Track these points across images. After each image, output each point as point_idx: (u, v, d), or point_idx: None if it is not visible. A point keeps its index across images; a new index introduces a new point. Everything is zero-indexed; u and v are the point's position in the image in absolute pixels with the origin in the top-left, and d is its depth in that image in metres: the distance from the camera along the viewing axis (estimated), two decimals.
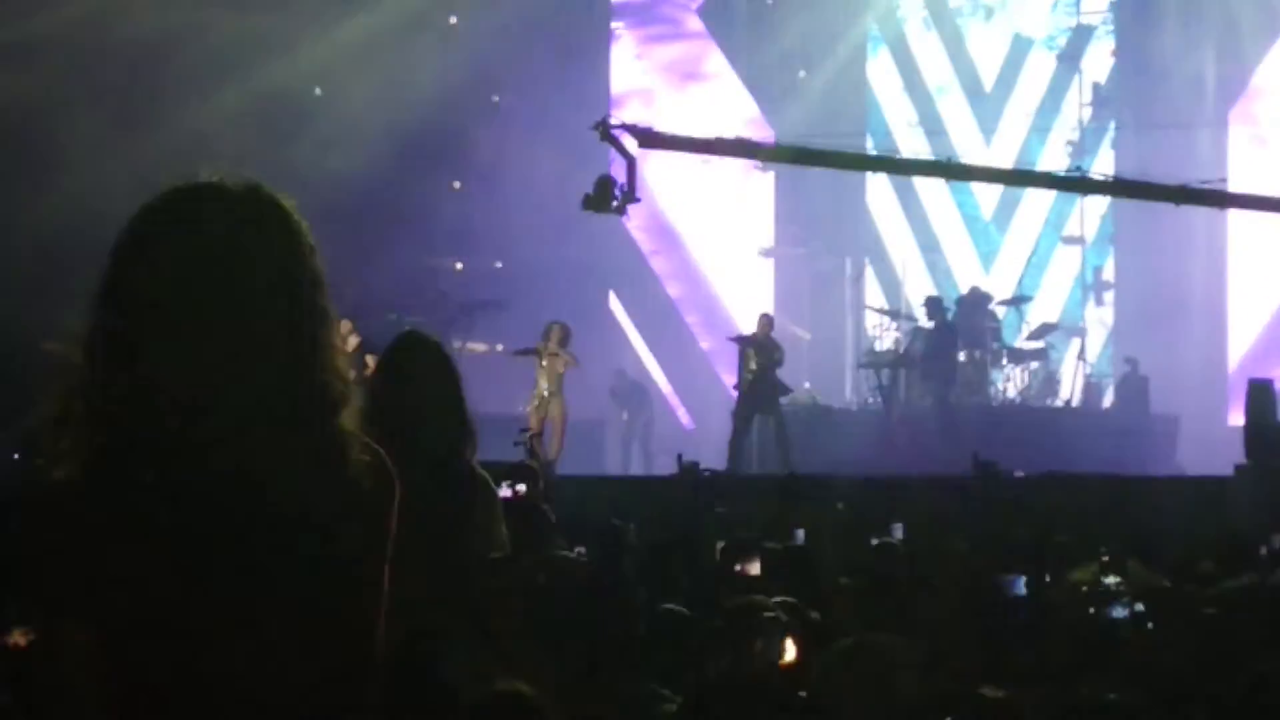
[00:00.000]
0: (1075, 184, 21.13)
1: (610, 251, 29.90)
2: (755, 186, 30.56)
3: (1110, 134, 29.62)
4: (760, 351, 22.87)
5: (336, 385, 2.97)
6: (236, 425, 2.84)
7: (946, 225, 30.67)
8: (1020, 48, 30.42)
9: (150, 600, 2.82)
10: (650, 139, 18.44)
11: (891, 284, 30.34)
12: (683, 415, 30.17)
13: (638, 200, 18.02)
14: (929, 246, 30.70)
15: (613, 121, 18.27)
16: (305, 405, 2.92)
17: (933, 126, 30.49)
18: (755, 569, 10.06)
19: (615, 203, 17.71)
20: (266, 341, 2.89)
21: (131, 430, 2.82)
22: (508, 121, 28.94)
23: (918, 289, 29.69)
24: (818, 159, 23.18)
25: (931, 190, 30.62)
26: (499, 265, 28.30)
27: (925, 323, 25.84)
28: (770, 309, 25.11)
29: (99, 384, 2.84)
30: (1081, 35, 30.09)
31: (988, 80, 30.55)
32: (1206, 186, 19.85)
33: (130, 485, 2.82)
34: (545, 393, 21.57)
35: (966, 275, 29.79)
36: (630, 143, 18.03)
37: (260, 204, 2.99)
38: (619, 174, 18.12)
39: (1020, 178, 25.27)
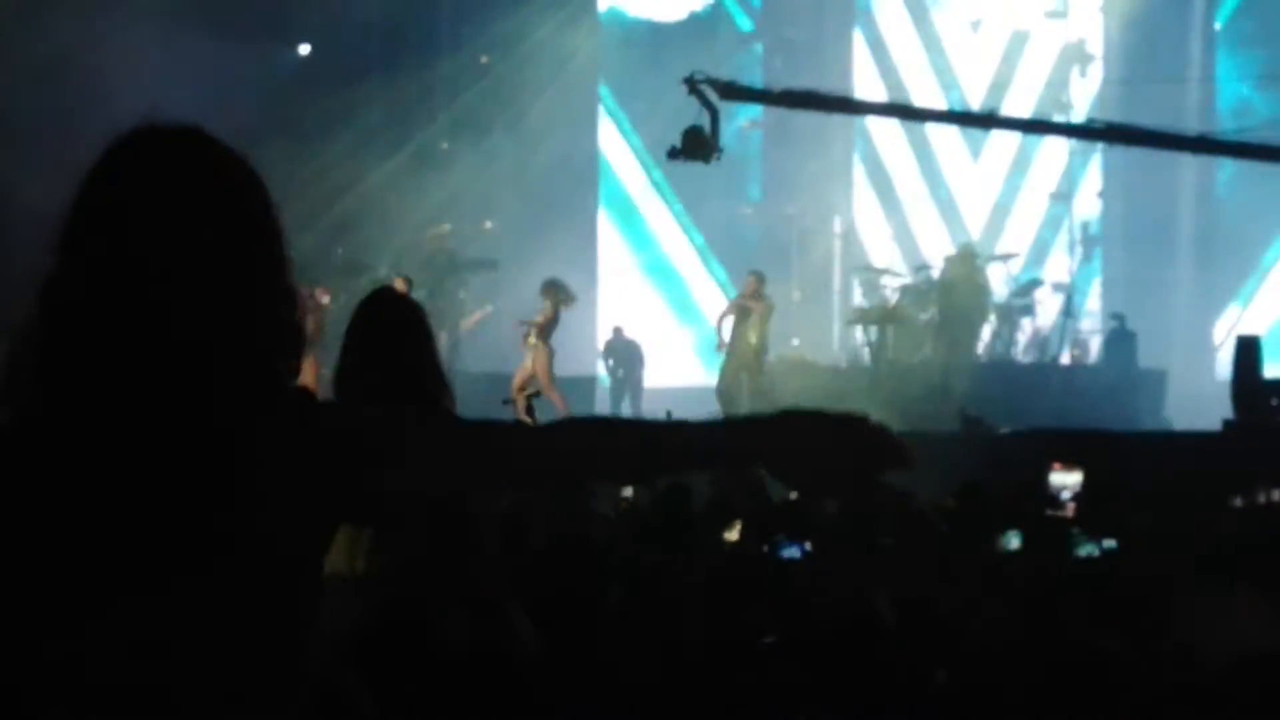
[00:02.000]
0: (1098, 133, 21.15)
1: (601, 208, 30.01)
2: (743, 143, 30.53)
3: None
4: (745, 309, 23.17)
5: (291, 329, 2.87)
6: (193, 371, 2.74)
7: (936, 182, 30.68)
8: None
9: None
10: (732, 91, 19.60)
11: (880, 242, 30.39)
12: (680, 372, 30.13)
13: (722, 150, 19.14)
14: (918, 204, 30.73)
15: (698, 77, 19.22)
16: (261, 346, 2.82)
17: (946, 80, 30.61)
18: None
19: (707, 151, 18.92)
20: (219, 285, 2.78)
21: (81, 377, 2.72)
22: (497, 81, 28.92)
23: (908, 247, 29.76)
24: (886, 110, 24.04)
25: (920, 150, 30.65)
26: (489, 225, 28.27)
27: (918, 279, 25.93)
28: (757, 264, 25.13)
29: (44, 336, 2.75)
30: None
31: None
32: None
33: (68, 432, 2.71)
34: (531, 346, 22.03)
35: (955, 233, 29.80)
36: (713, 95, 19.09)
37: (203, 148, 2.86)
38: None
39: (1038, 126, 25.24)
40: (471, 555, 6.34)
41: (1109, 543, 9.18)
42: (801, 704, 4.86)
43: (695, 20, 31.01)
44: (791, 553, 8.82)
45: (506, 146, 28.31)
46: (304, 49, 27.27)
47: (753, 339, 23.15)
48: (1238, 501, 12.66)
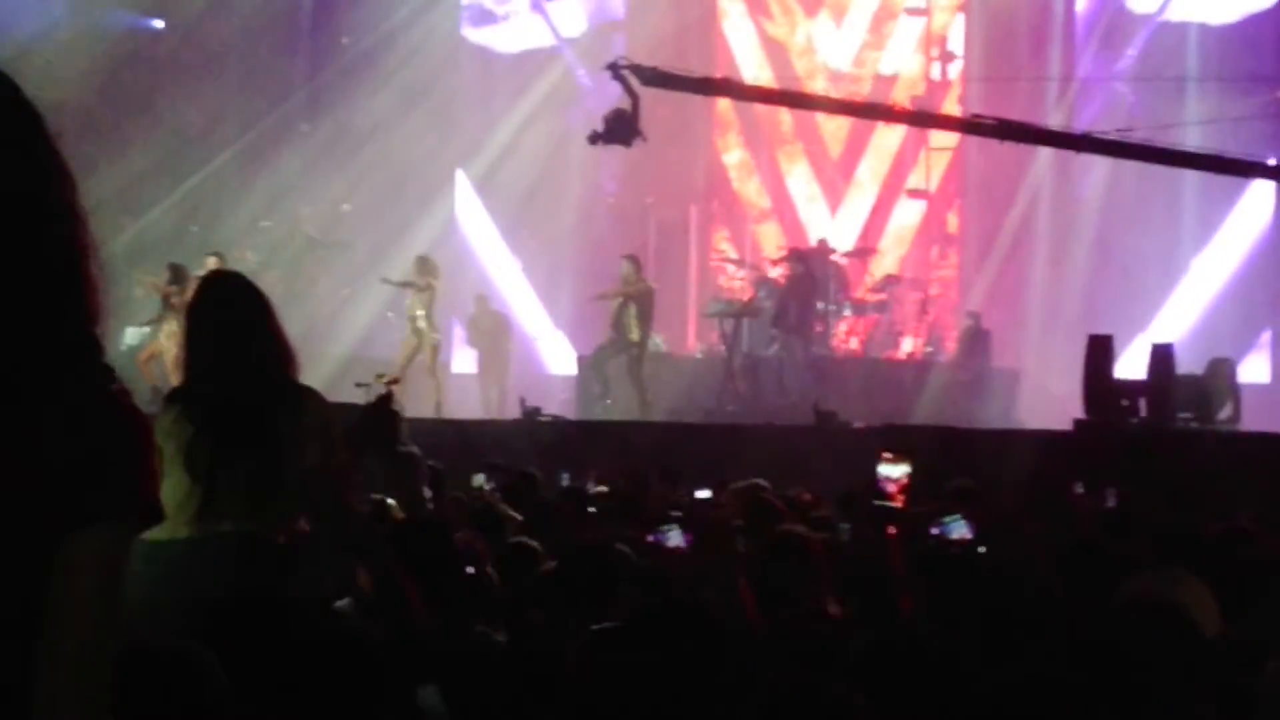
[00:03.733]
0: (983, 129, 21.19)
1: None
2: None
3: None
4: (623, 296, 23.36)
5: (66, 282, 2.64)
6: None
7: (795, 176, 30.70)
8: None
9: None
10: (654, 78, 19.96)
11: (736, 234, 30.38)
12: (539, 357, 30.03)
13: (644, 137, 19.74)
14: (773, 196, 30.74)
15: (621, 62, 19.77)
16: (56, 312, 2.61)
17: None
18: None
19: (630, 135, 19.54)
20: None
21: None
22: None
23: (766, 240, 29.78)
24: (804, 102, 24.17)
25: (779, 140, 30.68)
26: (346, 208, 28.06)
27: (773, 271, 25.92)
28: (614, 254, 25.06)
29: None
30: None
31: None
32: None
33: None
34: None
35: (813, 227, 29.83)
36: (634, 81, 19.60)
37: None
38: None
39: (922, 119, 25.31)
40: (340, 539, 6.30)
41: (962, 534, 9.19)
42: (633, 688, 4.76)
43: None
44: (677, 540, 8.76)
45: (365, 129, 28.06)
46: (158, 24, 26.92)
47: (634, 328, 23.06)
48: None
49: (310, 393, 6.49)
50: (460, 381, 26.03)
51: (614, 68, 19.59)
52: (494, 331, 26.84)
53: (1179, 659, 4.45)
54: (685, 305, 29.98)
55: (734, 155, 30.97)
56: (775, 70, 29.57)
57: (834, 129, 30.08)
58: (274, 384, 6.33)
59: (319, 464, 6.28)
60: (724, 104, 29.89)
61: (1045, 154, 25.67)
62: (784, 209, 30.63)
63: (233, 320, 6.29)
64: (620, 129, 19.52)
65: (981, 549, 8.78)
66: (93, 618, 2.57)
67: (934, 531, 9.21)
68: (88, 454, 2.58)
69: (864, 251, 27.98)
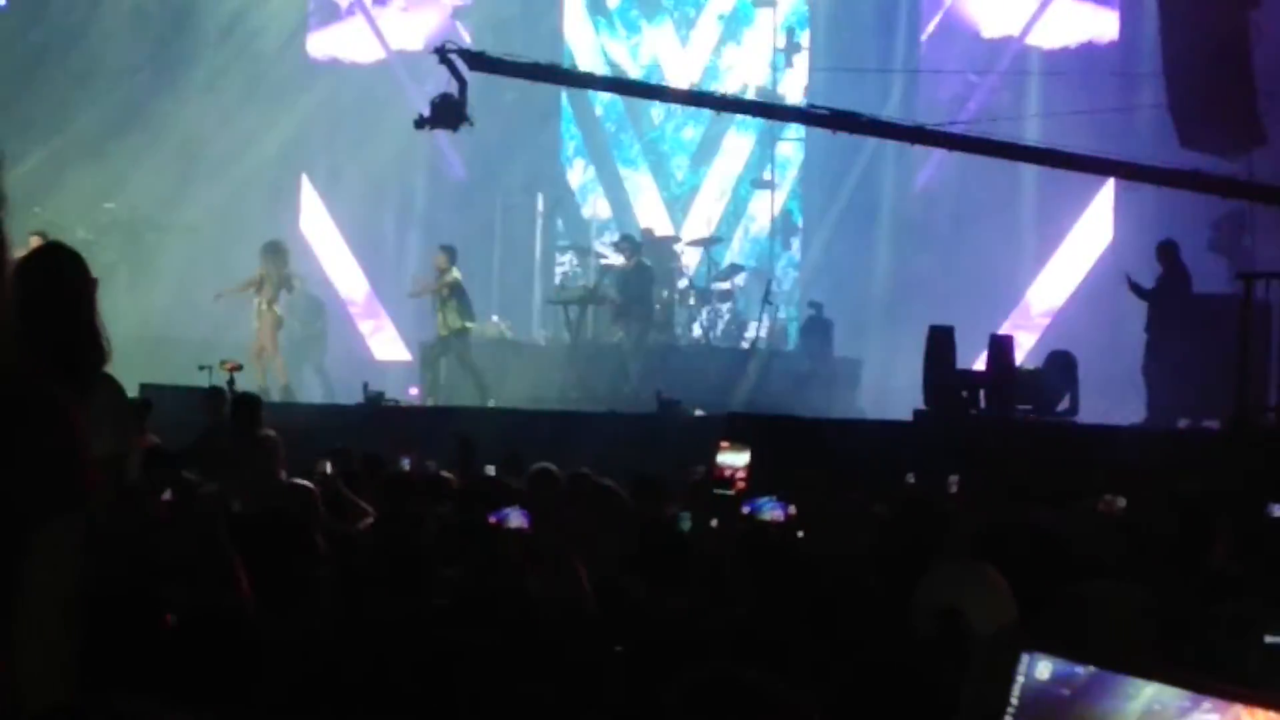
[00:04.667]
0: (824, 120, 21.27)
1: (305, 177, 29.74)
2: None
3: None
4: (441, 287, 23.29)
5: None
6: None
7: (640, 167, 30.76)
8: None
9: None
10: (481, 62, 19.97)
11: (580, 222, 30.41)
12: (381, 345, 29.92)
13: (470, 121, 19.64)
14: (617, 186, 30.78)
15: (449, 47, 19.68)
16: None
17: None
18: None
19: (457, 120, 19.45)
20: None
21: None
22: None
23: (611, 227, 29.80)
24: (638, 91, 24.19)
25: (625, 129, 30.72)
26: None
27: (615, 259, 25.93)
28: (461, 239, 25.00)
29: None
30: None
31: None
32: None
33: None
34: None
35: (658, 216, 29.92)
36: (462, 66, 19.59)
37: None
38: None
39: (765, 110, 25.33)
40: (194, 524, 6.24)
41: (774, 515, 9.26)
42: (482, 671, 4.75)
43: None
44: (520, 521, 8.77)
45: (212, 110, 27.81)
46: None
47: (456, 320, 23.04)
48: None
49: (105, 379, 6.40)
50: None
51: (440, 52, 19.51)
52: (307, 314, 26.62)
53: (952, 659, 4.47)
54: (530, 292, 29.96)
55: (583, 141, 30.97)
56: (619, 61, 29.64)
57: (682, 119, 30.16)
58: (71, 367, 6.22)
59: (107, 452, 6.19)
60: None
61: (892, 147, 25.82)
62: (629, 197, 30.67)
63: (44, 296, 6.17)
64: (446, 113, 19.42)
65: (799, 533, 8.84)
66: (59, 588, 3.07)
67: (745, 510, 9.24)
68: (48, 456, 3.06)
69: (708, 240, 28.03)
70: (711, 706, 3.43)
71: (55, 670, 3.06)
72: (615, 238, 27.60)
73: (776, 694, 3.47)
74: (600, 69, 29.42)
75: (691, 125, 30.49)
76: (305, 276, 27.23)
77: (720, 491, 11.46)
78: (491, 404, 22.51)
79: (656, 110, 30.17)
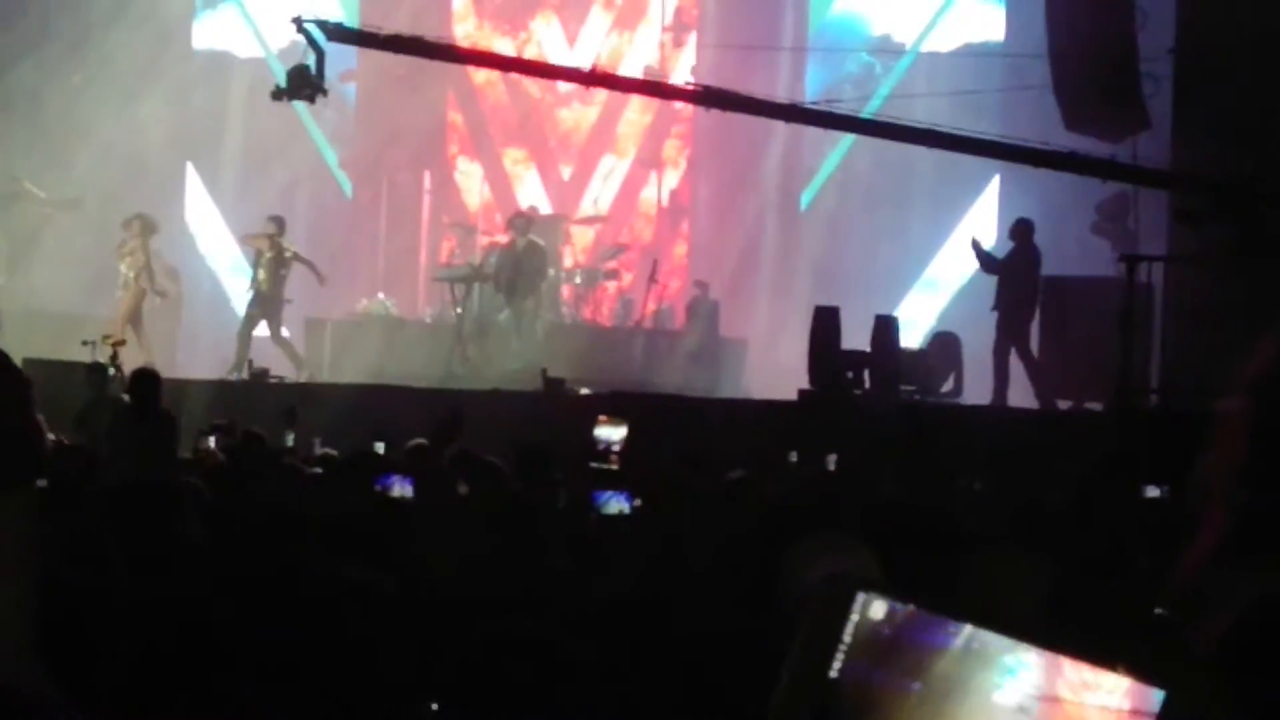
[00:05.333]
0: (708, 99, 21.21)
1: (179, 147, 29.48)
2: (336, 96, 30.12)
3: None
4: (269, 253, 23.39)
5: None
6: None
7: (527, 147, 30.66)
8: None
9: None
10: (338, 33, 19.85)
11: (467, 200, 30.27)
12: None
13: (325, 91, 19.42)
14: (505, 165, 30.68)
15: (307, 17, 19.43)
16: None
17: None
18: None
19: (307, 92, 19.19)
20: None
21: None
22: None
23: (498, 204, 29.67)
24: (498, 63, 24.20)
25: (511, 110, 30.61)
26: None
27: (503, 238, 25.85)
28: (349, 218, 24.91)
29: None
30: None
31: None
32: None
33: None
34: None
35: (546, 195, 29.82)
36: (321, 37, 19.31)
37: None
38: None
39: (647, 88, 25.25)
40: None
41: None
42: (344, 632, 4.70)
43: None
44: (405, 489, 8.76)
45: (97, 89, 27.47)
46: None
47: (259, 281, 23.14)
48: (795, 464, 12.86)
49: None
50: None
51: (298, 22, 19.30)
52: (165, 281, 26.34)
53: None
54: (416, 268, 29.82)
55: (472, 118, 30.84)
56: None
57: (571, 96, 30.07)
58: None
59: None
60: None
61: (782, 128, 25.79)
62: (517, 175, 30.56)
63: None
64: (302, 84, 19.15)
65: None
66: (19, 549, 3.10)
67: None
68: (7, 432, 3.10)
69: (595, 219, 27.97)
70: (501, 656, 3.45)
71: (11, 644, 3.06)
72: (503, 216, 27.50)
73: (555, 641, 3.53)
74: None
75: (579, 105, 30.37)
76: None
77: (597, 465, 11.44)
78: (305, 377, 22.48)
79: (543, 89, 30.06)
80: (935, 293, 28.21)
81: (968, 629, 2.12)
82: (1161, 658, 2.06)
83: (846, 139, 27.56)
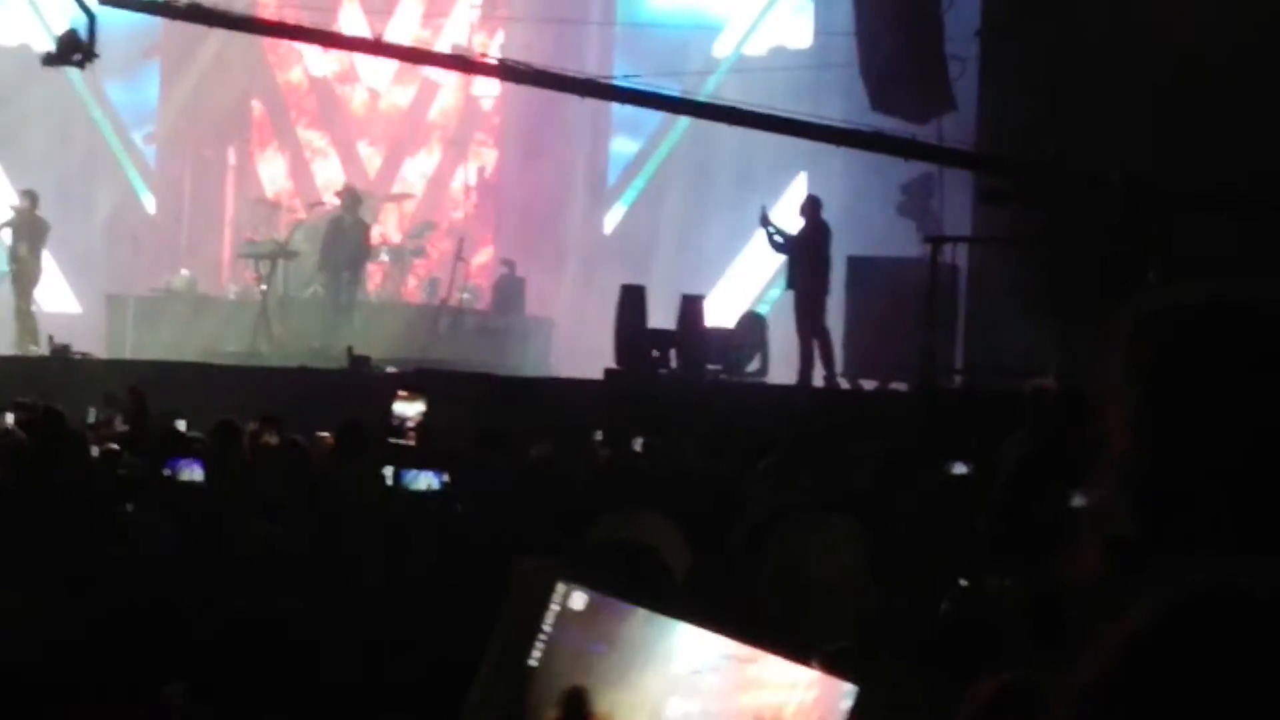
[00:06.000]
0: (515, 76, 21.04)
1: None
2: (144, 68, 29.70)
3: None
4: (23, 229, 23.20)
5: None
6: None
7: (335, 123, 30.36)
8: None
9: None
10: None
11: (275, 174, 29.95)
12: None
13: (96, 55, 18.96)
14: (310, 143, 30.36)
15: None
16: None
17: None
18: None
19: (77, 58, 18.83)
20: None
21: None
22: None
23: (304, 181, 29.39)
24: (314, 38, 23.60)
25: (321, 83, 30.31)
26: None
27: (311, 214, 25.65)
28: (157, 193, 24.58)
29: None
30: None
31: None
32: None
33: None
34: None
35: (354, 173, 29.53)
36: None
37: None
38: None
39: (457, 64, 25.00)
40: None
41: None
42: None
43: None
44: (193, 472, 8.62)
45: None
46: None
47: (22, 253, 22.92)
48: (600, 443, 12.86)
49: None
50: None
51: None
52: None
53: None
54: (220, 244, 29.46)
55: (273, 96, 30.50)
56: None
57: (374, 71, 29.82)
58: None
59: None
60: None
61: (589, 109, 25.68)
62: (321, 154, 30.25)
63: None
64: (70, 50, 18.86)
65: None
66: None
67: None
68: None
69: (403, 197, 27.78)
70: (247, 636, 3.46)
71: None
72: (304, 197, 27.26)
73: (307, 618, 3.52)
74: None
75: (394, 86, 30.10)
76: None
77: (395, 441, 11.37)
78: (33, 350, 22.22)
79: (346, 65, 29.79)
80: (751, 275, 28.21)
81: (668, 619, 2.14)
82: (856, 653, 2.07)
83: (656, 119, 27.52)
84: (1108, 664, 1.58)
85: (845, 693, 2.05)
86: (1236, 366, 2.20)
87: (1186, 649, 1.55)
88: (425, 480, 8.99)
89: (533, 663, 2.18)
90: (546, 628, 2.18)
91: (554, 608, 2.18)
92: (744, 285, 27.71)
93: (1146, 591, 1.61)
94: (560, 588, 2.19)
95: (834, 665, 2.07)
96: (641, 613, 2.15)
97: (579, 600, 2.18)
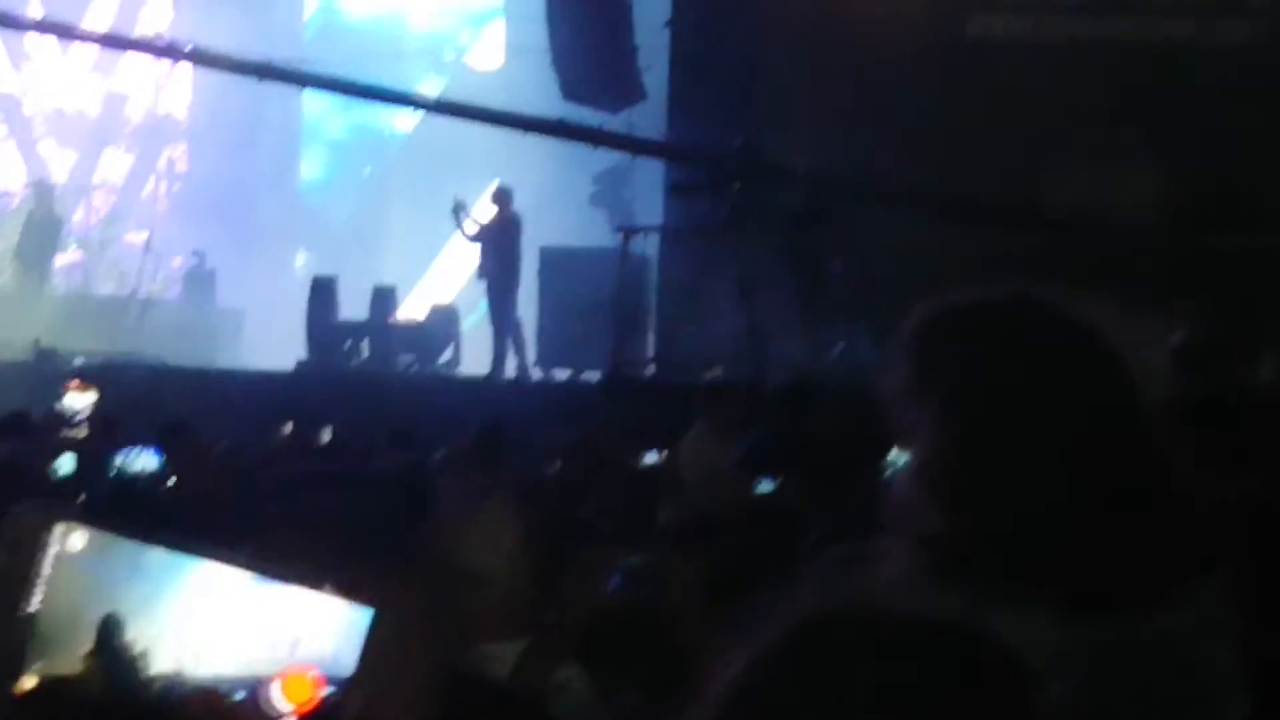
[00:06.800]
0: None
1: None
2: None
3: None
4: None
5: None
6: None
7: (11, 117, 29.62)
8: None
9: None
10: None
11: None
12: None
13: None
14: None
15: None
16: None
17: None
18: None
19: None
20: None
21: None
22: None
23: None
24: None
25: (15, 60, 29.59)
26: None
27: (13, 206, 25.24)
28: None
29: None
30: None
31: None
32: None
33: None
34: None
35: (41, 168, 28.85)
36: None
37: None
38: None
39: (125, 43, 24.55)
40: None
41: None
42: None
43: None
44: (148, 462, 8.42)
45: None
46: None
47: None
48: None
49: None
50: None
51: None
52: None
53: None
54: None
55: None
56: None
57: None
58: None
59: None
60: None
61: (280, 96, 25.30)
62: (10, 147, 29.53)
63: None
64: None
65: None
66: None
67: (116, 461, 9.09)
68: None
69: (89, 188, 27.25)
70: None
71: None
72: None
73: None
74: None
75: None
76: None
77: (64, 435, 11.18)
78: None
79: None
80: (456, 266, 28.10)
81: (183, 555, 2.18)
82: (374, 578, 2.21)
83: (357, 109, 27.29)
84: (740, 670, 1.59)
85: (362, 616, 2.15)
86: (1049, 360, 2.23)
87: (799, 666, 1.58)
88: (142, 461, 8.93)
89: (33, 608, 2.17)
90: (46, 570, 2.17)
91: (52, 549, 2.17)
92: (449, 277, 27.61)
93: (785, 606, 1.63)
94: (59, 529, 2.17)
95: (349, 591, 2.16)
96: (157, 550, 2.17)
97: (79, 541, 2.18)
